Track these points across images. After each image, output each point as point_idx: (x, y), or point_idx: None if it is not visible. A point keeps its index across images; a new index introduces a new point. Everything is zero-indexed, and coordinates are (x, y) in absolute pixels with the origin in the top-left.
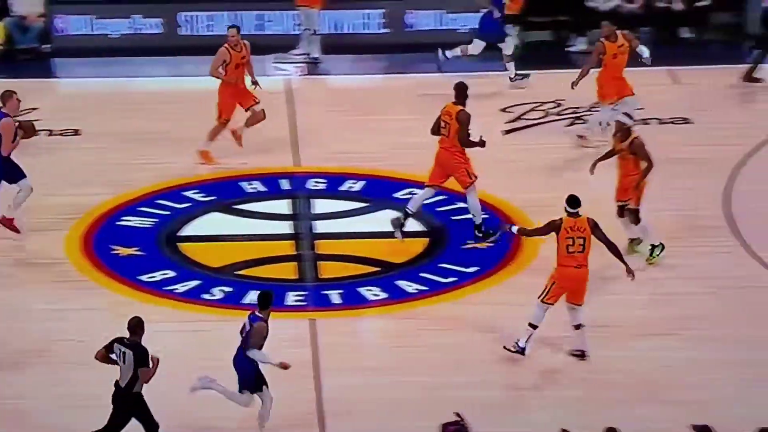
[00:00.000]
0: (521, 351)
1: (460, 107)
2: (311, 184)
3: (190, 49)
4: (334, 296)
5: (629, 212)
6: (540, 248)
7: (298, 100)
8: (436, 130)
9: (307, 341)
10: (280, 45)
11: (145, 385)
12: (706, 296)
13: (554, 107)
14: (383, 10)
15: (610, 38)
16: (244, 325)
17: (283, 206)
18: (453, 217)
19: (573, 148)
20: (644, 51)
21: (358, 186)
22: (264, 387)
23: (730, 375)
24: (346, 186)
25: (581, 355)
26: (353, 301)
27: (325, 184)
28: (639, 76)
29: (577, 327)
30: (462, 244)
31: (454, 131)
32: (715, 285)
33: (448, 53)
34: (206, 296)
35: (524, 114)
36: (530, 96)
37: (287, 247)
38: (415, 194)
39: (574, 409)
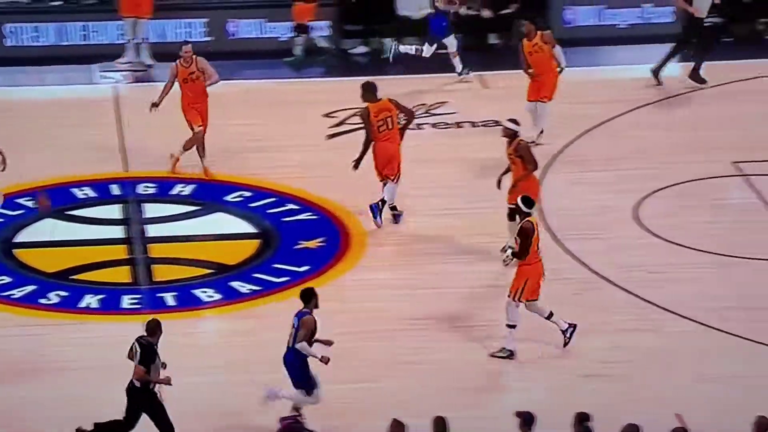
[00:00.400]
0: (510, 354)
1: (386, 98)
2: (141, 188)
3: (16, 59)
4: (169, 298)
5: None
6: (368, 247)
7: (126, 107)
8: (370, 134)
9: None
10: (106, 54)
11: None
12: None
13: None
14: (205, 19)
15: (529, 36)
16: (293, 325)
17: (114, 211)
18: (283, 219)
19: None
20: (560, 58)
21: (188, 190)
22: None
23: (548, 364)
24: (176, 190)
25: (572, 329)
26: (188, 303)
27: (155, 189)
28: (449, 81)
29: (550, 316)
30: (294, 244)
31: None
32: None
33: (402, 48)
34: (43, 301)
35: (347, 119)
36: (352, 101)
37: (120, 252)
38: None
39: (398, 400)
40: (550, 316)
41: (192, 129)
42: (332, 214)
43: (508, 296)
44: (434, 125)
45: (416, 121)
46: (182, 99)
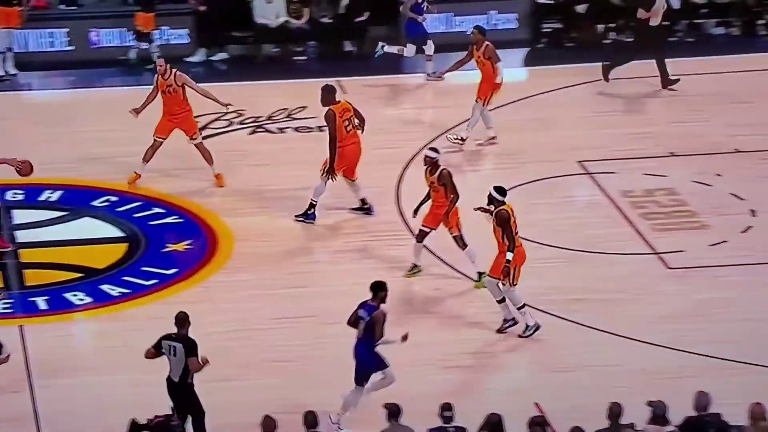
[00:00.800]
0: (536, 327)
1: (344, 100)
2: (10, 195)
3: None
4: (41, 302)
5: (455, 240)
6: (234, 249)
7: None
8: (335, 136)
9: (18, 347)
10: None
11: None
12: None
13: (237, 117)
14: (67, 29)
15: (477, 45)
16: (357, 317)
17: None
18: (150, 222)
19: (255, 154)
20: (501, 73)
21: (55, 196)
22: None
23: (405, 356)
24: (44, 196)
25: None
26: (60, 306)
27: (23, 195)
28: (307, 87)
29: (501, 300)
30: (161, 247)
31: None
32: (391, 274)
33: (386, 48)
34: None
35: (210, 123)
36: (214, 106)
37: None
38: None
39: (268, 398)
40: (501, 301)
41: (154, 138)
42: (198, 217)
43: (503, 286)
44: (297, 129)
45: (278, 125)
46: (163, 108)
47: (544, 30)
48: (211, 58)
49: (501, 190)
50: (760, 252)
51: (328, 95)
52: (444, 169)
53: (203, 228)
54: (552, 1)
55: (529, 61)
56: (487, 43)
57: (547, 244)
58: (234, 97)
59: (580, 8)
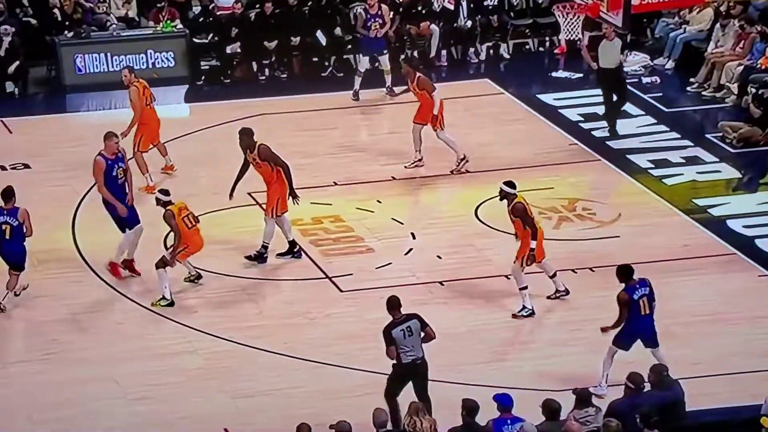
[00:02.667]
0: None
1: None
2: None
3: None
4: None
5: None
6: None
7: None
8: (284, 164)
9: None
10: None
11: None
12: (66, 322)
13: None
14: None
15: (409, 78)
16: (643, 296)
17: None
18: None
19: None
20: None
21: None
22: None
23: (91, 388)
24: None
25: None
26: None
27: None
28: None
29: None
30: None
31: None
32: (73, 310)
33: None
34: None
35: None
36: None
37: None
38: None
39: None
40: (523, 288)
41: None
42: None
43: (538, 262)
44: None
45: None
46: None
47: (203, 68)
48: None
49: (511, 184)
50: (423, 272)
51: (248, 137)
52: (167, 210)
53: None
54: (206, 41)
55: (190, 98)
56: (418, 75)
57: (224, 273)
58: None
59: (230, 48)
